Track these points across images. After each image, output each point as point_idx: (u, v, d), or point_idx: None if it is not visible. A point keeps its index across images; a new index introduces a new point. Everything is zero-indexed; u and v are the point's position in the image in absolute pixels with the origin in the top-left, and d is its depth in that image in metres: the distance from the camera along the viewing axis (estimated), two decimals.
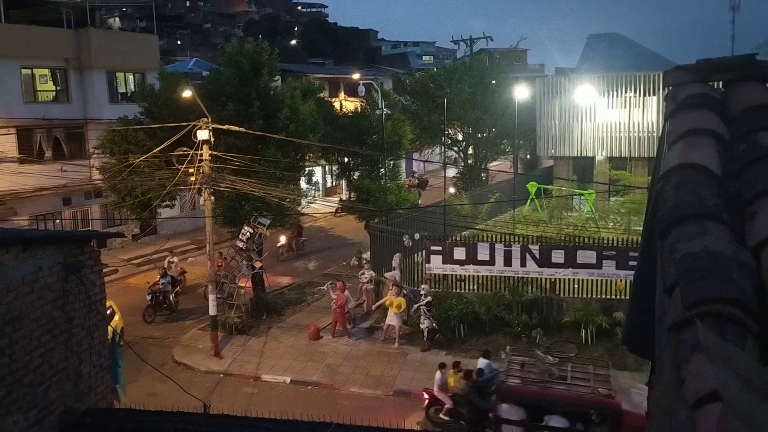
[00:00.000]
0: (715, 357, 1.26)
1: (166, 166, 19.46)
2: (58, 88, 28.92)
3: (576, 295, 18.78)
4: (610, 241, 18.97)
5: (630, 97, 29.88)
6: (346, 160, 28.85)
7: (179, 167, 18.05)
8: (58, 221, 28.06)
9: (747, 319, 1.55)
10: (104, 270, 7.88)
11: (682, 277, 1.73)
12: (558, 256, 18.45)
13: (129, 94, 30.50)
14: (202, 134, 17.57)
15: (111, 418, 6.77)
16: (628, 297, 16.36)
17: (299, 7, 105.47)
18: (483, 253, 18.96)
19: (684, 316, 1.61)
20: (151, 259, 25.95)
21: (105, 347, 7.36)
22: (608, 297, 18.46)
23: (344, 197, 33.53)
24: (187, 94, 20.08)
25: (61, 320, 6.52)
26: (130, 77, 31.17)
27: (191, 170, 17.86)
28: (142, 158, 19.49)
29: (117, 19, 35.09)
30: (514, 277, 18.90)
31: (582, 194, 27.06)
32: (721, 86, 3.07)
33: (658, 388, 2.52)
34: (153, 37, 34.23)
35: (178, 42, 78.43)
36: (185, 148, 17.88)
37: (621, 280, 18.18)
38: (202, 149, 17.71)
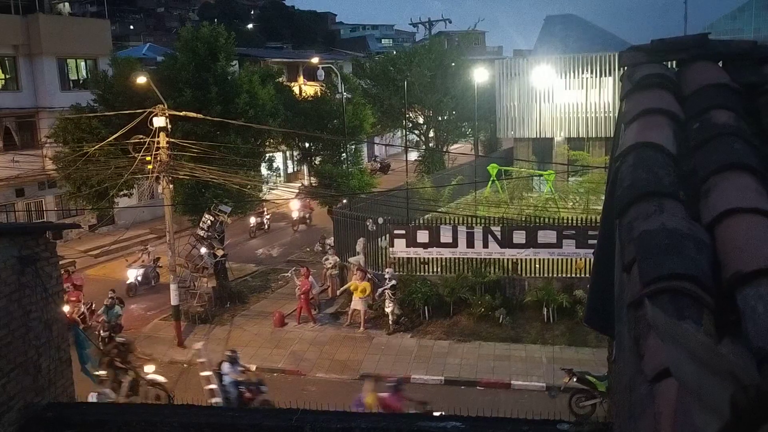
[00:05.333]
0: (665, 335, 1.28)
1: (123, 154, 19.06)
2: (7, 76, 28.02)
3: (537, 275, 19.06)
4: (570, 221, 19.28)
5: (587, 78, 30.27)
6: (307, 145, 28.65)
7: (136, 155, 17.69)
8: (11, 212, 27.30)
9: (703, 294, 1.58)
10: (61, 262, 7.71)
11: (639, 255, 1.76)
12: (519, 237, 18.68)
13: (81, 81, 29.72)
14: (159, 121, 17.24)
15: (72, 411, 6.66)
16: (588, 275, 16.70)
17: None
18: (446, 236, 19.09)
19: (642, 293, 1.64)
20: (110, 249, 25.46)
21: (64, 340, 7.21)
22: (569, 276, 18.79)
23: (306, 183, 33.34)
24: (141, 80, 19.62)
25: (17, 314, 6.37)
26: (82, 64, 30.36)
27: (148, 158, 17.53)
28: (96, 147, 19.04)
29: (67, 3, 33.95)
30: (476, 258, 19.08)
31: (542, 175, 27.39)
32: (674, 66, 3.12)
33: (619, 363, 2.57)
34: (105, 22, 33.34)
35: (131, 27, 76.33)
36: (141, 136, 17.52)
37: (581, 259, 18.51)
38: (158, 136, 17.38)
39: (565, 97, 30.79)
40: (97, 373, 14.04)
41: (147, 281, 22.92)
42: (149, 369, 14.63)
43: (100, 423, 6.13)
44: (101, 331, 17.01)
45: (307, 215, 30.90)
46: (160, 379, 14.61)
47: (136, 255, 24.16)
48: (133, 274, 22.69)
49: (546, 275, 18.93)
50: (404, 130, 36.65)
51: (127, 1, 76.75)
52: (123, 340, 14.98)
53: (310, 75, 41.54)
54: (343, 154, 27.13)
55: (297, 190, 28.28)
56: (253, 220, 29.80)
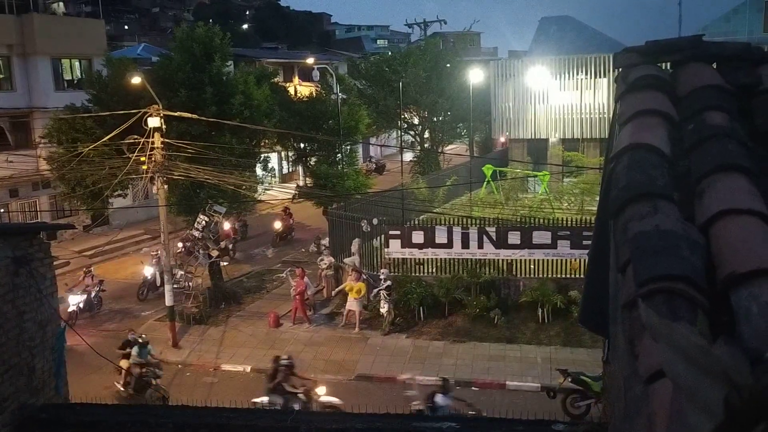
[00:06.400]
0: (659, 335, 1.29)
1: (117, 154, 19.01)
2: (1, 76, 27.93)
3: (532, 275, 19.09)
4: (565, 222, 19.31)
5: (581, 79, 30.33)
6: (302, 145, 28.62)
7: (130, 156, 17.64)
8: (4, 212, 27.20)
9: (697, 295, 1.59)
10: (55, 262, 7.68)
11: (634, 256, 1.77)
12: (514, 238, 18.70)
13: (76, 81, 29.64)
14: (153, 121, 17.21)
15: (67, 412, 6.63)
16: (582, 276, 16.73)
17: None
18: (441, 237, 19.10)
19: (637, 294, 1.65)
20: (104, 250, 25.38)
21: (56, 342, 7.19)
22: (563, 276, 18.81)
23: (301, 183, 33.31)
24: (136, 80, 19.59)
25: (11, 315, 6.34)
26: (77, 64, 30.28)
27: (143, 158, 17.49)
28: (91, 147, 18.99)
29: (61, 3, 33.87)
30: (471, 259, 19.10)
31: (536, 176, 27.42)
32: (669, 67, 3.13)
33: (614, 363, 2.58)
34: (99, 22, 33.29)
35: (126, 27, 76.08)
36: (136, 136, 17.48)
37: (575, 260, 18.54)
38: (153, 137, 17.34)
39: (559, 98, 30.85)
40: (258, 400, 12.77)
41: (89, 308, 19.96)
42: (321, 391, 13.24)
43: (94, 424, 6.11)
44: (154, 372, 14.94)
45: (230, 246, 24.78)
46: (335, 400, 13.02)
47: (79, 278, 20.77)
48: (75, 300, 19.31)
49: (541, 276, 18.96)
50: (399, 131, 36.66)
51: (122, 1, 76.52)
52: (287, 362, 13.33)
53: (306, 75, 41.51)
54: (339, 155, 27.11)
55: (294, 191, 28.21)
56: (180, 245, 24.04)
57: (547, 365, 15.79)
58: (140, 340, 15.44)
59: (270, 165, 25.52)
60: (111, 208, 25.37)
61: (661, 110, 2.54)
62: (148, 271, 22.02)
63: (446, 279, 19.00)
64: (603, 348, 3.71)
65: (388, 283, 18.30)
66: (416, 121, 39.78)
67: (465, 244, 18.95)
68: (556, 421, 5.73)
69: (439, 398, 12.17)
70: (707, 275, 1.68)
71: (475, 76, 30.96)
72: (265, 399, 12.85)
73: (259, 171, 24.48)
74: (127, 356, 15.29)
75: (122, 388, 15.08)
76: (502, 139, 35.24)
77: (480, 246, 18.89)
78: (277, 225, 28.19)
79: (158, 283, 21.53)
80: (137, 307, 21.32)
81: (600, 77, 29.91)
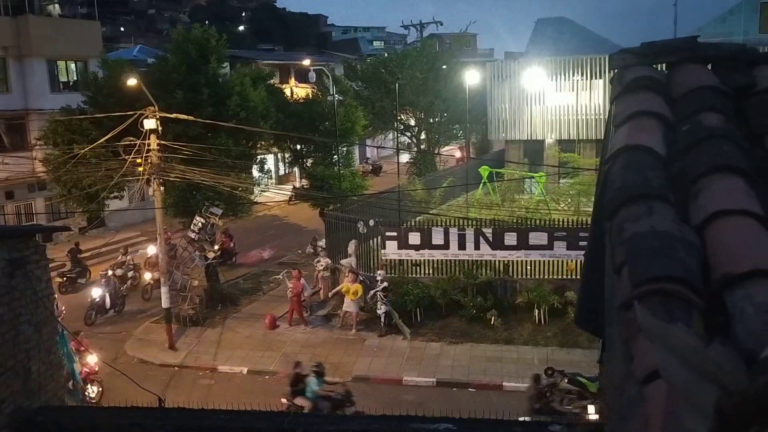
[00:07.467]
0: (654, 337, 1.29)
1: (113, 156, 18.98)
2: None
3: (529, 276, 19.10)
4: (561, 223, 19.33)
5: (577, 81, 30.37)
6: (298, 147, 28.60)
7: (126, 157, 17.61)
8: (0, 215, 27.12)
9: (693, 296, 1.59)
10: (51, 265, 7.67)
11: (630, 257, 1.77)
12: (511, 239, 18.71)
13: (71, 83, 29.59)
14: (149, 123, 17.18)
15: (63, 415, 6.61)
16: (578, 277, 16.73)
17: None
18: (437, 238, 19.10)
19: (632, 295, 1.65)
20: (100, 252, 25.31)
21: (54, 344, 7.17)
22: (560, 277, 18.82)
23: (298, 185, 33.29)
24: (132, 81, 19.56)
25: (7, 317, 6.32)
26: (72, 65, 30.24)
27: (139, 160, 17.46)
28: (87, 148, 18.96)
29: (57, 5, 33.81)
30: (468, 260, 19.10)
31: (533, 177, 27.44)
32: (664, 68, 3.13)
33: (610, 365, 2.58)
34: (95, 24, 33.24)
35: (122, 28, 75.90)
36: (132, 138, 17.45)
37: (572, 261, 18.55)
38: (149, 138, 17.32)
39: (556, 99, 30.89)
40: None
41: None
42: (590, 409, 11.79)
43: (92, 427, 6.09)
44: (349, 399, 13.16)
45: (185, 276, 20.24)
46: None
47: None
48: None
49: (537, 277, 18.97)
50: (396, 133, 36.68)
51: (118, 2, 76.39)
52: (553, 378, 12.16)
53: (302, 77, 41.50)
54: (335, 156, 27.11)
55: (291, 192, 28.18)
56: (118, 271, 22.09)
57: (544, 366, 15.77)
58: (315, 369, 13.49)
59: (266, 166, 25.51)
60: (107, 210, 25.31)
61: (657, 111, 2.55)
62: (96, 292, 19.95)
63: (443, 280, 19.01)
64: (599, 349, 3.72)
65: (385, 284, 18.30)
66: (413, 122, 39.81)
67: (462, 246, 18.95)
68: (554, 422, 5.73)
69: None
70: (702, 276, 1.68)
71: (472, 77, 31.00)
72: (526, 419, 10.91)
73: (255, 172, 24.46)
74: (300, 392, 13.41)
75: None
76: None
77: (477, 247, 18.89)
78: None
79: (108, 305, 20.01)
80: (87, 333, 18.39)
81: (596, 78, 29.95)
